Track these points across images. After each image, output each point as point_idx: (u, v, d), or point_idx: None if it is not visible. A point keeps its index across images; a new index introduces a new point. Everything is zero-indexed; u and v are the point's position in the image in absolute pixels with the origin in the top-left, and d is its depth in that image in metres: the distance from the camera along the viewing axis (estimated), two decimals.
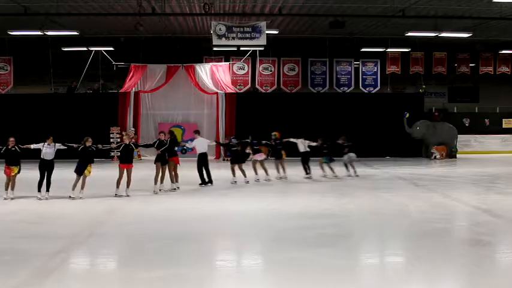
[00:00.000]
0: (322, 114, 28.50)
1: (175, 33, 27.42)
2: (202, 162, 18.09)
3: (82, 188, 15.26)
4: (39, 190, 15.12)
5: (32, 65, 30.87)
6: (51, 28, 24.18)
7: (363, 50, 29.57)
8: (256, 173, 18.75)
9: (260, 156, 19.02)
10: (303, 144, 19.47)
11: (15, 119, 27.38)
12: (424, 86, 30.89)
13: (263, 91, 29.99)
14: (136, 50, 29.37)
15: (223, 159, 27.26)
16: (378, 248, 10.31)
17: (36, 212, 13.53)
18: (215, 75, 29.05)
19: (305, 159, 19.46)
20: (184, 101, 29.46)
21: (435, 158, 28.44)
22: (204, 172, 18.07)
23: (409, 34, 24.67)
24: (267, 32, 22.83)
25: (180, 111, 29.57)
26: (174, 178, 17.05)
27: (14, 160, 15.04)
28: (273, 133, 19.66)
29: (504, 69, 31.56)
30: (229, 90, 28.83)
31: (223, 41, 22.69)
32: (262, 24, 22.48)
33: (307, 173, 19.37)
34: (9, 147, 15.08)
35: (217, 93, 28.66)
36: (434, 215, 12.87)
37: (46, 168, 15.21)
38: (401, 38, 26.76)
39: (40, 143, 15.40)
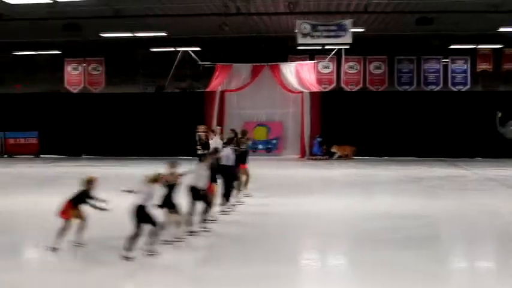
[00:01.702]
0: (410, 113, 27.84)
1: (260, 33, 27.54)
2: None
3: None
4: None
5: (122, 66, 31.88)
6: (140, 30, 24.92)
7: (451, 47, 28.67)
8: None
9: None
10: None
11: (106, 118, 28.48)
12: None
13: (348, 90, 29.64)
14: (222, 49, 29.75)
15: (308, 158, 27.15)
16: (467, 252, 9.97)
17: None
18: (300, 74, 28.97)
19: None
20: (269, 100, 29.53)
21: None
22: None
23: (502, 30, 23.71)
24: (353, 30, 22.54)
25: (265, 110, 29.66)
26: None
27: None
28: None
29: None
30: (314, 89, 28.68)
31: (308, 40, 22.60)
32: (348, 22, 22.21)
33: None
34: None
35: (302, 92, 28.57)
36: None
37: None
38: (493, 34, 25.74)
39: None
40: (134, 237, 8.91)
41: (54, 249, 9.30)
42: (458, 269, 8.95)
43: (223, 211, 13.07)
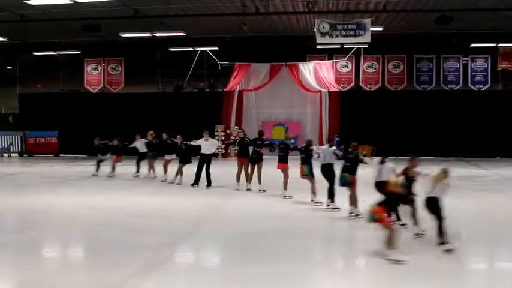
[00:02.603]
0: (429, 112, 27.66)
1: (278, 32, 27.56)
2: (204, 162, 17.30)
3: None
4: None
5: (141, 66, 32.06)
6: (159, 30, 25.05)
7: (472, 45, 28.43)
8: None
9: None
10: None
11: (125, 118, 28.63)
12: None
13: (367, 89, 29.53)
14: (241, 49, 29.79)
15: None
16: (487, 253, 9.89)
17: (146, 206, 14.03)
18: (318, 74, 28.92)
19: None
20: (287, 100, 29.52)
21: None
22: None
23: None
24: (371, 29, 22.46)
25: (283, 110, 29.66)
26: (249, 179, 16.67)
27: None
28: None
29: None
30: (332, 89, 28.61)
31: (327, 39, 22.56)
32: (367, 21, 22.13)
33: None
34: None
35: (320, 91, 28.51)
36: None
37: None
38: None
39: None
40: (441, 227, 9.37)
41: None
42: (478, 269, 8.88)
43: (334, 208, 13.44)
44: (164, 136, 19.11)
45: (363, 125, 26.97)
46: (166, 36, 26.84)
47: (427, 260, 8.84)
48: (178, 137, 18.16)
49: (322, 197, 13.81)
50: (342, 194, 13.10)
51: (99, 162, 20.29)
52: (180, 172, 17.93)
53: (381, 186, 10.85)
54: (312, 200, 14.41)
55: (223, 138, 27.02)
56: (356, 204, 12.59)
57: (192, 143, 17.85)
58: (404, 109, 27.83)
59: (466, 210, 13.56)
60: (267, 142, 18.94)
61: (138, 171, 19.77)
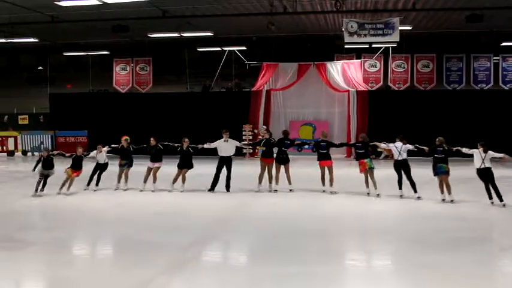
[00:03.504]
0: (459, 112, 27.30)
1: (306, 32, 27.49)
2: (223, 165, 16.32)
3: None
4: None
5: (169, 65, 32.28)
6: (187, 30, 25.17)
7: (503, 44, 28.03)
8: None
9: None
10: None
11: (154, 117, 28.84)
12: None
13: (396, 88, 29.29)
14: (268, 49, 29.79)
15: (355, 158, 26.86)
16: None
17: (172, 205, 14.11)
18: (346, 73, 28.78)
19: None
20: (315, 99, 29.41)
21: None
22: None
23: None
24: (400, 28, 22.25)
25: (311, 110, 29.58)
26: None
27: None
28: None
29: None
30: (361, 88, 28.44)
31: (355, 38, 22.41)
32: (395, 20, 21.93)
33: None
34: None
35: (348, 91, 28.36)
36: None
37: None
38: None
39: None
40: None
41: None
42: (505, 273, 8.72)
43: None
44: (152, 141, 16.66)
45: (392, 124, 26.70)
46: (194, 36, 26.96)
47: (453, 262, 8.73)
48: (186, 140, 16.21)
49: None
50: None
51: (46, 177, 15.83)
52: (182, 178, 16.19)
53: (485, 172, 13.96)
54: (368, 194, 15.53)
55: (250, 138, 27.06)
56: (451, 191, 14.39)
57: (206, 146, 16.44)
58: (433, 109, 27.51)
59: (497, 211, 13.35)
60: (298, 142, 18.96)
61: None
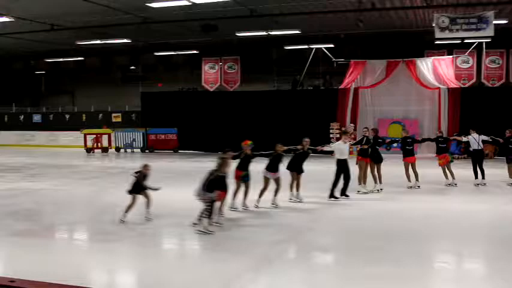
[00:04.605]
0: None
1: (395, 28, 26.94)
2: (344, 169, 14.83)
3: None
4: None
5: (256, 64, 32.52)
6: (274, 28, 25.26)
7: None
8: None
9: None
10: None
11: (242, 115, 29.17)
12: None
13: (489, 85, 28.23)
14: (356, 46, 29.43)
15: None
16: None
17: (261, 203, 14.15)
18: (437, 70, 27.99)
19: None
20: (404, 97, 28.76)
21: None
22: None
23: None
24: (495, 22, 21.40)
25: (400, 107, 28.92)
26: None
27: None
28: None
29: None
30: (452, 85, 27.58)
31: (447, 34, 21.77)
32: (490, 13, 21.11)
33: None
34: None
35: (439, 88, 27.58)
36: None
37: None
38: None
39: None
40: None
41: None
42: None
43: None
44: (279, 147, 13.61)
45: (485, 123, 25.66)
46: (282, 34, 27.03)
47: None
48: (307, 140, 14.24)
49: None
50: None
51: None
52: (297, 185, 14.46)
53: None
54: (448, 185, 16.79)
55: (338, 136, 26.81)
56: None
57: (326, 148, 15.55)
58: None
59: None
60: (388, 140, 18.71)
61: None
